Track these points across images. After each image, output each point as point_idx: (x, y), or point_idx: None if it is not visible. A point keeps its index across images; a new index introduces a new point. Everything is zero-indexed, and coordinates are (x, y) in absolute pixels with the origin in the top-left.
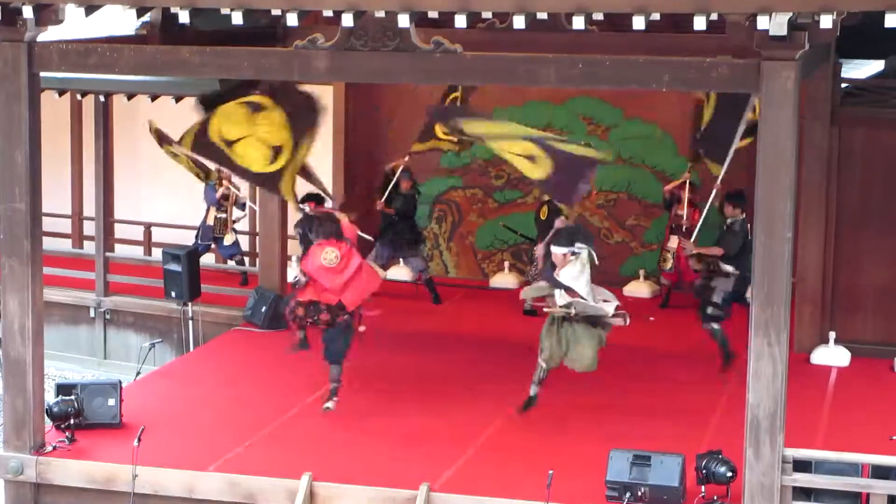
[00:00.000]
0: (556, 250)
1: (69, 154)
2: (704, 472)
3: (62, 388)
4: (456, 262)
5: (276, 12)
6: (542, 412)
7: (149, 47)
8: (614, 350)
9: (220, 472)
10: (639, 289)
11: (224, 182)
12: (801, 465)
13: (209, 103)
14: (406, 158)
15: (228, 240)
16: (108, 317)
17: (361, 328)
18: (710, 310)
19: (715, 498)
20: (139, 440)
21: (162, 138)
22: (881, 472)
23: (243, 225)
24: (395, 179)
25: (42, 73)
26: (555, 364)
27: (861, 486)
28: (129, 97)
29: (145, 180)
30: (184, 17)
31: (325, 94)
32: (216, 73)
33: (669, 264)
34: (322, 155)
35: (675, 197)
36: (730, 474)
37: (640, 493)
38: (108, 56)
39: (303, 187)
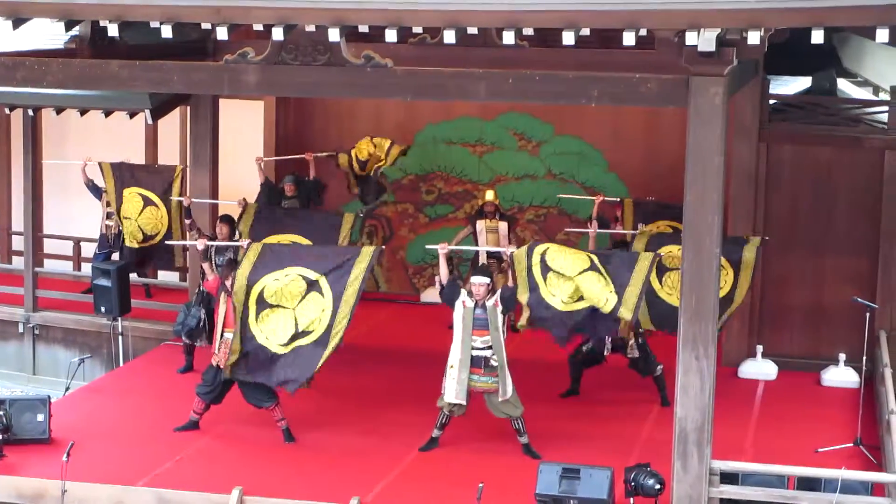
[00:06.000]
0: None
1: None
2: (633, 484)
3: None
4: (387, 276)
5: (205, 26)
6: (472, 426)
7: (78, 61)
8: (544, 364)
9: (150, 487)
10: None
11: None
12: (729, 477)
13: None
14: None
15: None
16: (37, 332)
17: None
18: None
19: None
20: (68, 455)
21: None
22: (807, 484)
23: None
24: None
25: None
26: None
27: (787, 497)
28: (58, 111)
29: (74, 195)
30: (113, 30)
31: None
32: (146, 86)
33: None
34: (252, 171)
35: (608, 224)
36: (658, 487)
37: None
38: (37, 69)
39: None
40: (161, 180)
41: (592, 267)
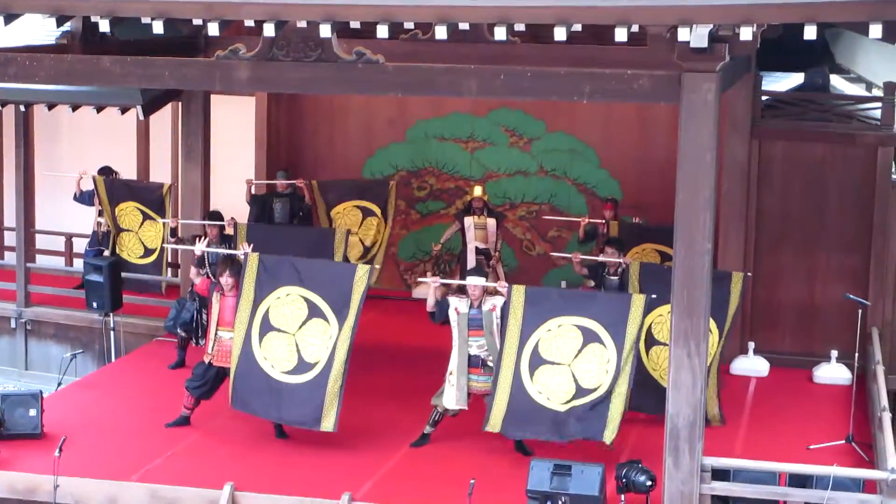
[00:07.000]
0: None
1: None
2: (624, 481)
3: None
4: (379, 273)
5: (197, 22)
6: (464, 423)
7: (69, 56)
8: None
9: (142, 482)
10: None
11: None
12: (720, 474)
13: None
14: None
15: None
16: (29, 327)
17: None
18: None
19: None
20: (60, 450)
21: None
22: (798, 481)
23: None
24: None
25: None
26: None
27: (779, 494)
28: (50, 107)
29: (66, 191)
30: (104, 26)
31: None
32: (137, 82)
33: None
34: (243, 167)
35: (596, 232)
36: (649, 483)
37: (560, 503)
38: (29, 65)
39: None
40: (153, 197)
41: (587, 339)
